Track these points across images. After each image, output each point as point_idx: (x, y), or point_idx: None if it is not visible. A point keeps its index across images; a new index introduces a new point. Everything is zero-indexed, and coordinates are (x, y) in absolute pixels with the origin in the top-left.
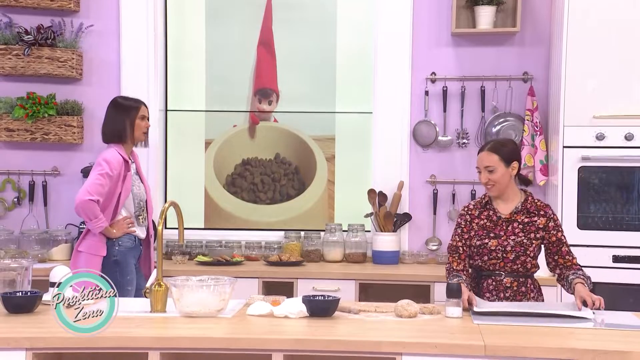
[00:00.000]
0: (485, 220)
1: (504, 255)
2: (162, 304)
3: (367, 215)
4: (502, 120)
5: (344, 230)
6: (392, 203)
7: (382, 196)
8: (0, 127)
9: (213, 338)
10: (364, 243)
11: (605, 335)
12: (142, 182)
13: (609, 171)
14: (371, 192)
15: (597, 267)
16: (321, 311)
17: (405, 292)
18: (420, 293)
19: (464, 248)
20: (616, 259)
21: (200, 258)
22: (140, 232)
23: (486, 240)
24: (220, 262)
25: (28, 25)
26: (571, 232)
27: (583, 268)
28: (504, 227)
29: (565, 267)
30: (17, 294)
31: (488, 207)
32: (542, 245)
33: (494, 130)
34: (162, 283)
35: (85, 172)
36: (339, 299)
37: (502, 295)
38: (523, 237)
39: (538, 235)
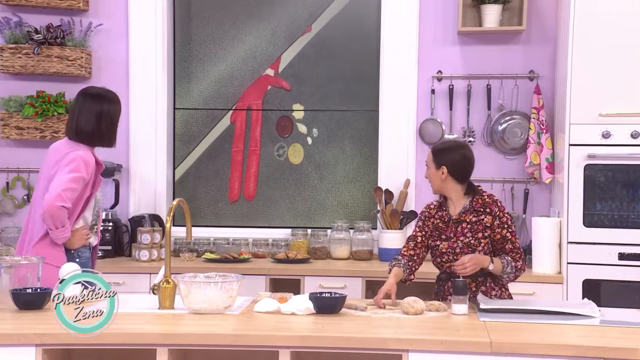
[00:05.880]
0: (439, 221)
1: (455, 257)
2: (170, 301)
3: (373, 213)
4: (508, 118)
5: (350, 228)
6: (399, 200)
7: (389, 194)
8: (11, 125)
9: (220, 335)
10: (371, 240)
11: (610, 332)
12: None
13: (614, 169)
14: (377, 189)
15: (603, 264)
16: (328, 308)
17: (412, 289)
18: (427, 290)
19: (423, 239)
20: (622, 256)
21: (208, 255)
22: (94, 240)
23: (438, 242)
24: (228, 259)
25: (38, 24)
26: (577, 230)
27: (518, 266)
28: (454, 229)
29: None
30: (27, 291)
31: (443, 207)
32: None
33: (500, 128)
34: (170, 280)
35: None
36: (345, 296)
37: None
38: (471, 238)
39: (486, 234)
